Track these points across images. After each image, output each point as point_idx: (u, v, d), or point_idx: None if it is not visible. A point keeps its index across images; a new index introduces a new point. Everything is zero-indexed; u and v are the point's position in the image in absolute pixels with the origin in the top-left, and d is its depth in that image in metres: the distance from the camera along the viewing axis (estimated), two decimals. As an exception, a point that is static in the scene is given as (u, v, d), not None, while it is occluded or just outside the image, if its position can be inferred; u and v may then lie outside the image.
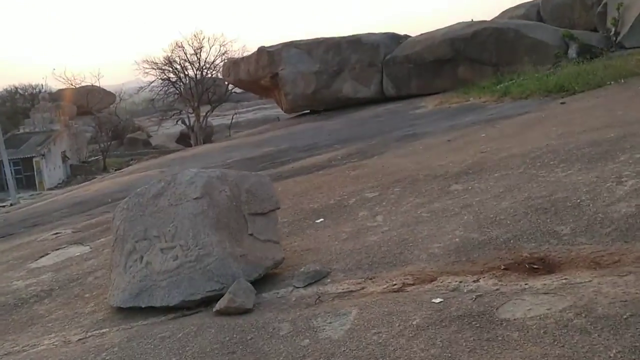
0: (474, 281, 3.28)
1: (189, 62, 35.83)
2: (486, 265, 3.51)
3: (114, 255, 4.44)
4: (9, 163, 28.84)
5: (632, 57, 11.00)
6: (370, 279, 3.76)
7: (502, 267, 3.40)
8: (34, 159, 33.02)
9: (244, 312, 3.61)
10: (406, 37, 17.94)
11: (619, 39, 13.91)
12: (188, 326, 3.56)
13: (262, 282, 3.98)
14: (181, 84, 36.03)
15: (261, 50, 18.39)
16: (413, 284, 3.47)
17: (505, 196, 4.64)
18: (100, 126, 39.78)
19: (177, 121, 37.70)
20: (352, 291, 3.61)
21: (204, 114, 36.04)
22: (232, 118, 39.22)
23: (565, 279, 3.03)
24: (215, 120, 40.45)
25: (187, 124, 36.37)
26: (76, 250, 6.25)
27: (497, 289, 3.11)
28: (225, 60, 27.45)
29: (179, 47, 35.54)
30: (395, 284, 3.50)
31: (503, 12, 21.11)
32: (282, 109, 20.17)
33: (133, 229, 4.30)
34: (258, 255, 4.11)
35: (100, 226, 7.21)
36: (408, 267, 3.77)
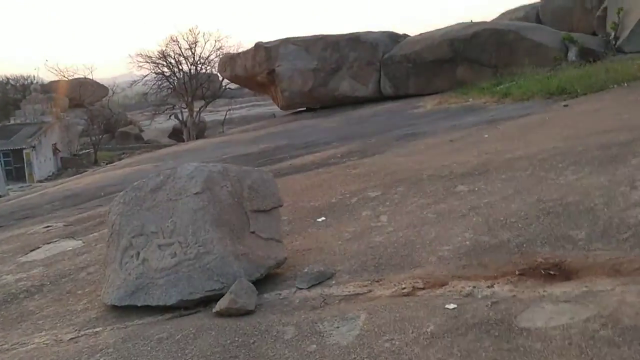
0: (488, 287, 3.15)
1: (184, 57, 35.55)
2: (499, 270, 3.37)
3: (109, 251, 4.26)
4: (-1, 154, 28.49)
5: (633, 61, 10.94)
6: (377, 281, 3.62)
7: (517, 272, 3.27)
8: (24, 151, 32.61)
9: (246, 313, 3.45)
10: (405, 36, 17.82)
11: (618, 43, 13.86)
12: (187, 327, 3.40)
13: (263, 283, 3.83)
14: (175, 78, 35.73)
15: (258, 45, 18.20)
16: (423, 288, 3.33)
17: (514, 198, 4.51)
18: (92, 119, 39.37)
19: (170, 116, 37.37)
20: (358, 294, 3.47)
21: (198, 109, 35.76)
22: (226, 114, 38.93)
23: (586, 286, 2.90)
24: (208, 116, 40.16)
25: (180, 119, 36.08)
26: (68, 245, 6.06)
27: (513, 296, 2.97)
28: (221, 56, 27.22)
29: (174, 41, 35.26)
30: (404, 288, 3.36)
31: (502, 14, 21.05)
32: (278, 106, 19.98)
33: (129, 223, 4.13)
34: (260, 254, 3.95)
35: (93, 220, 7.02)
36: (417, 270, 3.63)
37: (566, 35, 14.28)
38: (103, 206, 7.96)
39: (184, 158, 11.83)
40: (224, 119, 38.46)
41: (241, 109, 45.05)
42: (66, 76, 46.08)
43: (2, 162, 31.38)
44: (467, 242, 3.84)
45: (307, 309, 3.39)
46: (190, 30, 36.36)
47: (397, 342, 2.67)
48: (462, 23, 16.47)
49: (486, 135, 7.56)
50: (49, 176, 33.06)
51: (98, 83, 48.78)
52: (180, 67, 35.67)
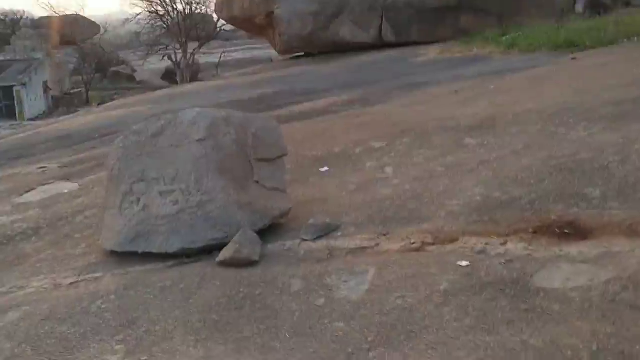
0: (502, 244, 3.07)
1: (178, -5, 34.44)
2: (511, 227, 3.29)
3: (108, 196, 4.15)
4: (-11, 91, 27.90)
5: (643, 15, 10.65)
6: (384, 235, 3.54)
7: (531, 230, 3.19)
8: (15, 88, 31.92)
9: (250, 264, 3.38)
10: (409, -19, 17.22)
11: (628, -5, 13.49)
12: (190, 276, 3.33)
13: (267, 233, 3.73)
14: (169, 17, 34.72)
15: (257, -14, 17.56)
16: (433, 244, 3.25)
17: (525, 154, 4.40)
18: (84, 58, 38.47)
19: (163, 57, 36.52)
20: (366, 248, 3.39)
21: (192, 50, 34.96)
22: (221, 57, 38.12)
23: (604, 247, 2.83)
24: (202, 58, 39.32)
25: (174, 61, 35.30)
26: (64, 187, 5.93)
27: (528, 254, 2.90)
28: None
29: (169, -22, 34.06)
30: (414, 243, 3.28)
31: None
32: (276, 50, 19.50)
33: (129, 169, 3.99)
34: (264, 204, 3.84)
35: (89, 162, 6.87)
36: (425, 225, 3.54)
37: (575, -15, 13.87)
38: (98, 148, 7.81)
39: (180, 101, 11.57)
40: (219, 61, 37.67)
41: (236, 52, 44.09)
42: (57, 12, 44.74)
43: (-8, 100, 30.81)
44: (478, 198, 3.75)
45: (313, 261, 3.32)
46: (186, -33, 35.11)
47: (409, 300, 2.61)
48: (469, -31, 15.90)
49: (492, 87, 7.38)
50: (39, 115, 32.53)
51: (90, 20, 47.39)
52: (174, 6, 34.64)
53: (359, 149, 5.42)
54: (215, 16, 31.20)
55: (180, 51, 34.72)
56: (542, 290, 2.53)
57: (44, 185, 6.15)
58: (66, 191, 5.78)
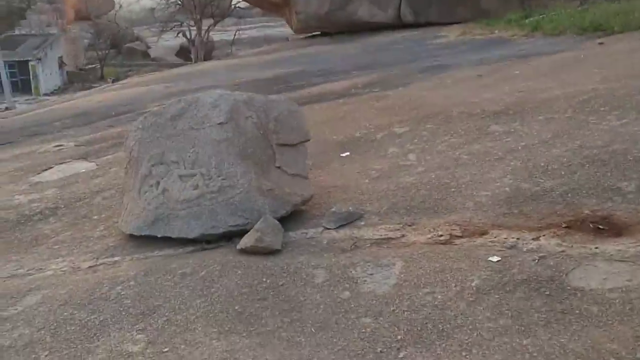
0: (533, 239, 2.96)
1: (194, -29, 34.10)
2: (543, 221, 3.18)
3: (127, 178, 4.08)
4: (4, 65, 27.93)
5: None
6: (410, 225, 3.44)
7: (563, 224, 3.07)
8: (30, 63, 31.97)
9: (272, 252, 3.30)
10: (429, -41, 16.84)
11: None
12: (211, 263, 3.26)
13: (288, 220, 3.65)
14: (184, -6, 34.46)
15: (274, -38, 17.29)
16: (462, 236, 3.15)
17: (554, 143, 4.26)
18: (99, 33, 38.37)
19: (177, 34, 36.35)
20: (391, 238, 3.30)
21: (206, 28, 34.71)
22: (235, 34, 37.82)
23: (644, 245, 2.71)
24: (216, 36, 39.07)
25: (188, 38, 35.11)
26: (81, 166, 5.88)
27: (562, 251, 2.79)
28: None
29: (184, -47, 33.71)
30: (441, 235, 3.18)
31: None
32: (292, 29, 19.26)
33: (149, 151, 3.91)
34: (286, 191, 3.76)
35: (106, 142, 6.80)
36: (452, 216, 3.44)
37: (602, -34, 13.44)
38: (115, 127, 7.74)
39: (196, 80, 11.45)
40: (233, 39, 37.42)
41: (250, 30, 43.73)
42: (72, -13, 44.49)
43: (8, 74, 30.83)
44: (507, 189, 3.63)
45: (336, 252, 3.23)
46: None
47: (439, 296, 2.51)
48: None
49: (517, 72, 7.18)
50: (54, 90, 32.62)
51: (104, -5, 47.16)
52: (189, -18, 34.33)
53: (380, 134, 5.29)
54: (230, -7, 30.90)
55: (194, 28, 34.50)
56: (579, 290, 2.43)
57: (60, 164, 6.10)
58: (83, 171, 5.72)
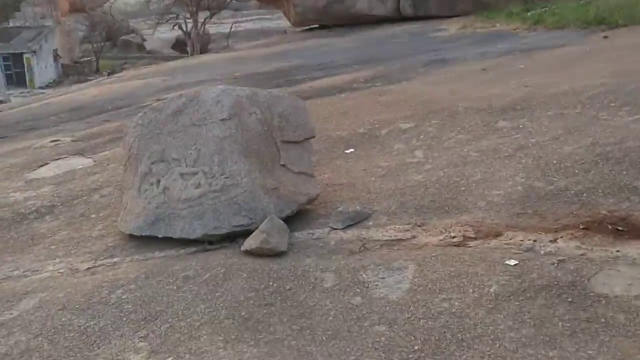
0: (551, 241, 2.85)
1: (189, -38, 33.81)
2: (559, 222, 3.07)
3: (126, 176, 3.96)
4: (-1, 58, 27.66)
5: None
6: (420, 226, 3.33)
7: (581, 226, 2.96)
8: (25, 55, 31.67)
9: (277, 254, 3.19)
10: (429, -49, 16.65)
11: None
12: (214, 266, 3.14)
13: (293, 220, 3.53)
14: (180, -14, 34.17)
15: (272, -46, 17.07)
16: (475, 238, 3.04)
17: (566, 140, 4.15)
18: (94, 25, 38.04)
19: (173, 26, 36.07)
20: (401, 240, 3.18)
21: (202, 20, 34.44)
22: (231, 27, 37.55)
23: (668, 249, 2.60)
24: (212, 28, 38.78)
25: (184, 30, 34.83)
26: (78, 163, 5.74)
27: (582, 254, 2.68)
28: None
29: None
30: (454, 236, 3.07)
31: None
32: (289, 22, 19.06)
33: (149, 148, 3.78)
34: (291, 190, 3.63)
35: (103, 137, 6.66)
36: (464, 216, 3.33)
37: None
38: (112, 121, 7.58)
39: (194, 73, 11.29)
40: (229, 32, 37.16)
41: (247, 23, 43.46)
42: (66, -22, 44.05)
43: (2, 67, 30.53)
44: (519, 187, 3.52)
45: (345, 254, 3.12)
46: None
47: (456, 303, 2.40)
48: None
49: (522, 66, 7.06)
50: (50, 83, 32.35)
51: (99, -13, 46.74)
52: (185, -26, 34.03)
53: (385, 130, 5.17)
54: (226, -15, 30.65)
55: (190, 20, 34.22)
56: (603, 296, 2.32)
57: (57, 159, 5.95)
58: (80, 167, 5.58)
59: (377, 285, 2.71)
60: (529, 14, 11.43)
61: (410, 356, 2.14)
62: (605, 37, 8.33)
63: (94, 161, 5.70)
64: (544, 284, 2.45)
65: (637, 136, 3.95)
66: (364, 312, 2.50)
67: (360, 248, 3.15)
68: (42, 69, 32.90)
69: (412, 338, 2.24)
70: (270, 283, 2.88)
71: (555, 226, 3.02)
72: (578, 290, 2.38)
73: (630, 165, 3.55)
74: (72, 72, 34.47)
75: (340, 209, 3.59)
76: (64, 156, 6.03)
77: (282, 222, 3.35)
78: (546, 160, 3.85)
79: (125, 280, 3.14)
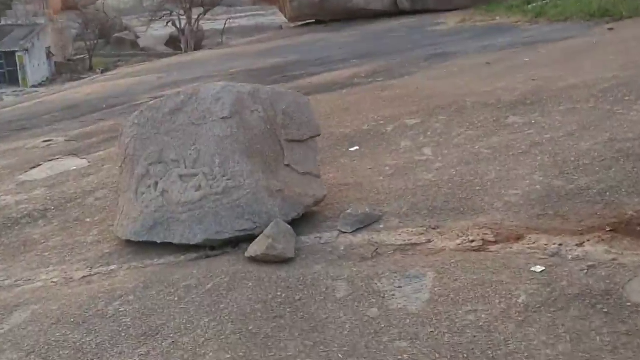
0: (577, 245, 2.68)
1: (183, -42, 33.50)
2: (583, 223, 2.89)
3: (122, 178, 3.76)
4: (-9, 56, 27.33)
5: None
6: (435, 228, 3.14)
7: (607, 228, 2.79)
8: (17, 54, 31.31)
9: (284, 261, 3.00)
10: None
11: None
12: (217, 274, 2.96)
13: (299, 223, 3.34)
14: (173, -18, 33.87)
15: (266, -52, 16.82)
16: (495, 242, 2.86)
17: (582, 135, 3.97)
18: (87, 23, 37.66)
19: (167, 23, 35.76)
20: (416, 244, 3.00)
21: (196, 17, 34.16)
22: (225, 23, 37.25)
23: None
24: (206, 25, 38.47)
25: (178, 27, 34.54)
26: (72, 164, 5.52)
27: (613, 259, 2.51)
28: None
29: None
30: (472, 240, 2.89)
31: None
32: (285, 17, 18.83)
33: (146, 149, 3.59)
34: (296, 191, 3.44)
35: (97, 136, 6.44)
36: (481, 218, 3.15)
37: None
38: (106, 120, 7.37)
39: (189, 70, 11.07)
40: (224, 28, 36.86)
41: (240, 19, 43.15)
42: (58, -25, 43.60)
43: (-6, 65, 30.23)
44: (538, 187, 3.34)
45: (356, 260, 2.93)
46: None
47: (483, 315, 2.22)
48: None
49: (527, 59, 6.88)
50: (43, 81, 32.02)
51: (92, -16, 46.30)
52: (178, -30, 33.72)
53: (390, 127, 4.98)
54: (220, -19, 30.39)
55: (184, 17, 33.94)
56: (642, 307, 2.15)
57: (50, 160, 5.74)
58: (74, 168, 5.37)
59: (393, 295, 2.53)
60: (529, 6, 11.25)
61: (437, 376, 1.97)
62: (611, 29, 8.17)
63: (89, 162, 5.49)
64: (576, 293, 2.27)
65: (657, 131, 3.78)
66: (382, 325, 2.32)
67: (372, 254, 2.97)
68: (35, 67, 32.55)
69: (437, 355, 2.06)
70: (279, 293, 2.70)
71: (580, 228, 2.84)
72: (614, 300, 2.21)
73: (652, 162, 3.38)
74: (65, 70, 34.13)
75: (348, 211, 3.40)
76: (57, 157, 5.82)
77: (289, 227, 3.17)
78: (563, 157, 3.67)
79: (123, 291, 2.96)
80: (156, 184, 3.50)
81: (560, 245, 2.69)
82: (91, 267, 3.37)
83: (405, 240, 3.05)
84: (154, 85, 9.72)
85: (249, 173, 3.31)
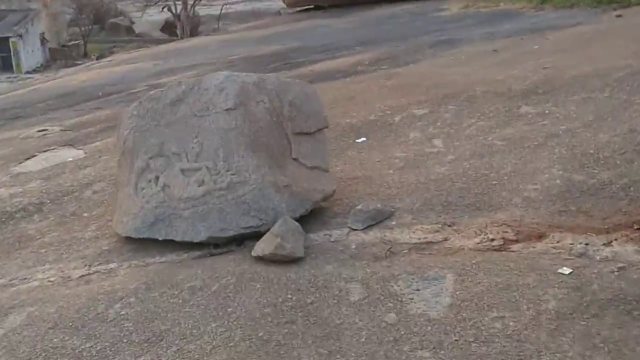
0: (605, 244, 2.53)
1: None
2: (608, 220, 2.75)
3: (121, 172, 3.60)
4: (-16, 42, 26.94)
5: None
6: (450, 225, 3.00)
7: (635, 226, 2.65)
8: (11, 39, 30.87)
9: (293, 260, 2.85)
10: None
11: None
12: (223, 275, 2.81)
13: (307, 220, 3.19)
14: (169, -34, 33.37)
15: None
16: (516, 241, 2.71)
17: (600, 126, 3.82)
18: (81, 8, 37.14)
19: (162, 8, 35.26)
20: (431, 242, 2.85)
21: (192, 2, 33.70)
22: (222, 9, 36.79)
23: None
24: (202, 10, 38.01)
25: (174, 12, 34.07)
26: (68, 154, 5.34)
27: (645, 261, 2.37)
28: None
29: None
30: (492, 239, 2.74)
31: None
32: (283, 2, 18.54)
33: (145, 141, 3.42)
34: (304, 186, 3.28)
35: (94, 126, 6.25)
36: (499, 214, 3.00)
37: None
38: (103, 109, 7.17)
39: (185, 57, 10.84)
40: (220, 14, 36.41)
41: (237, 4, 42.67)
42: (51, -40, 42.96)
43: (-13, 51, 29.81)
44: (557, 181, 3.19)
45: (369, 259, 2.79)
46: None
47: (511, 322, 2.08)
48: None
49: (536, 47, 6.70)
50: (37, 67, 31.65)
51: (86, -32, 45.64)
52: (174, -45, 33.20)
53: (398, 117, 4.82)
54: (217, -35, 29.93)
55: (180, 2, 33.47)
56: (681, 314, 2.01)
57: (45, 151, 5.56)
58: (70, 159, 5.20)
59: (412, 298, 2.38)
60: (534, -8, 11.02)
61: (464, 391, 1.83)
62: (619, 15, 7.98)
63: (85, 153, 5.31)
64: (609, 298, 2.14)
65: (678, 122, 3.64)
66: (402, 332, 2.18)
67: (385, 253, 2.82)
68: (29, 53, 32.13)
69: (464, 367, 1.92)
70: (289, 296, 2.55)
71: (606, 226, 2.70)
72: (649, 306, 2.07)
73: (677, 155, 3.24)
74: (59, 56, 33.71)
75: (359, 207, 3.25)
76: (52, 147, 5.63)
77: (297, 224, 3.02)
78: (582, 149, 3.52)
79: (124, 292, 2.80)
80: (157, 178, 3.34)
81: (587, 244, 2.55)
82: (90, 266, 3.22)
83: (420, 239, 2.90)
84: (150, 72, 9.50)
85: (255, 167, 3.15)
